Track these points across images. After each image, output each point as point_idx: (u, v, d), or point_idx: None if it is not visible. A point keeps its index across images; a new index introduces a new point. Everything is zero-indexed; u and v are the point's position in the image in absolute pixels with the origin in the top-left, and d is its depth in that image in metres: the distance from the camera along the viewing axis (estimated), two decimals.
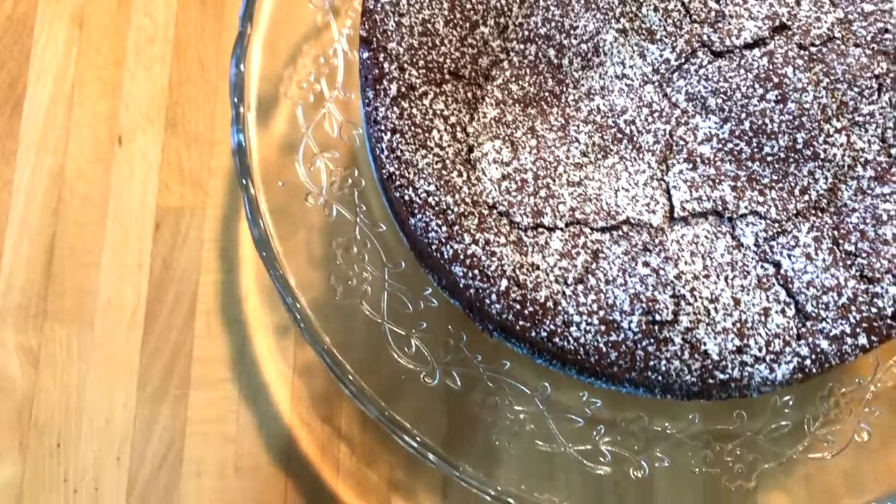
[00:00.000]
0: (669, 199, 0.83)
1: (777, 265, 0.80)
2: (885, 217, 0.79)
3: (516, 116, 0.85)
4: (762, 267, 0.80)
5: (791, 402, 0.89)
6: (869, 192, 0.80)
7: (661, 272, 0.78)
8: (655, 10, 0.86)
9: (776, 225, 0.82)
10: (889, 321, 0.77)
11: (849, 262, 0.79)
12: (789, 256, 0.80)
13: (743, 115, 0.83)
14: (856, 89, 0.83)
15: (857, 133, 0.83)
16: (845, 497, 0.87)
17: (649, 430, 0.88)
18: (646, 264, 0.79)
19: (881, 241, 0.78)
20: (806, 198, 0.82)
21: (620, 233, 0.82)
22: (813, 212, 0.82)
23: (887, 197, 0.80)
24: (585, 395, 0.88)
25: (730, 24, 0.85)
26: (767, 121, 0.82)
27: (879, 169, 0.82)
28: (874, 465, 0.89)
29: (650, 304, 0.77)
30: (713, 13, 0.86)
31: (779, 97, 0.82)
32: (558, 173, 0.83)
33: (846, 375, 0.91)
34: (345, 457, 0.96)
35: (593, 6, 0.85)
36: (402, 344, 0.88)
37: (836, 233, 0.80)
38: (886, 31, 0.83)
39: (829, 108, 0.82)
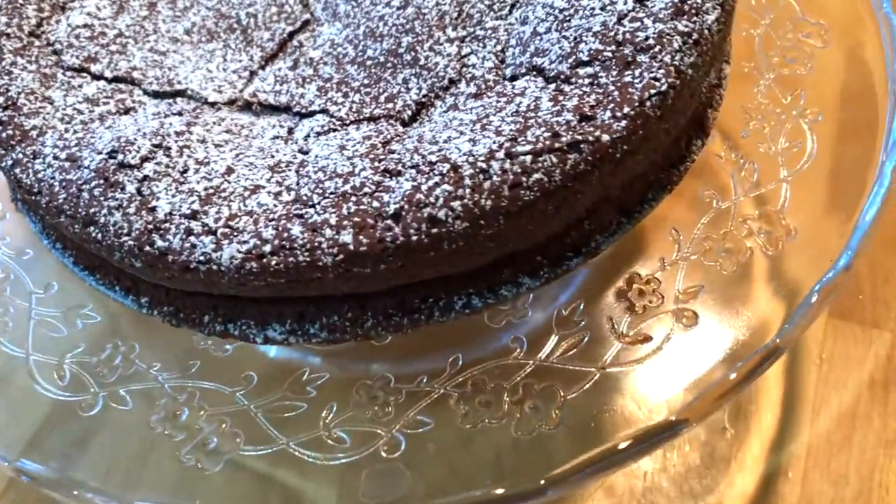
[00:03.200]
0: (245, 87, 0.70)
1: (306, 153, 0.62)
2: (454, 124, 0.60)
3: None
4: (293, 155, 0.63)
5: (581, 307, 0.65)
6: (463, 109, 0.63)
7: (168, 127, 0.63)
8: None
9: (339, 123, 0.65)
10: (387, 221, 0.55)
11: (381, 157, 0.59)
12: (326, 147, 0.62)
13: (363, 21, 0.70)
14: (487, 2, 0.68)
15: (472, 47, 0.67)
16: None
17: (372, 390, 0.65)
18: (161, 121, 0.64)
19: (430, 142, 0.59)
20: (390, 105, 0.65)
21: (171, 101, 0.69)
22: (388, 119, 0.65)
23: (469, 110, 0.62)
24: (307, 372, 0.68)
25: None
26: (381, 24, 0.69)
27: (484, 87, 0.64)
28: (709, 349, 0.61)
29: (124, 144, 0.62)
30: None
31: (403, 2, 0.69)
32: (147, 40, 0.73)
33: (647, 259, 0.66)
34: None
35: None
36: (50, 374, 0.73)
37: (381, 140, 0.62)
38: None
39: (448, 16, 0.68)
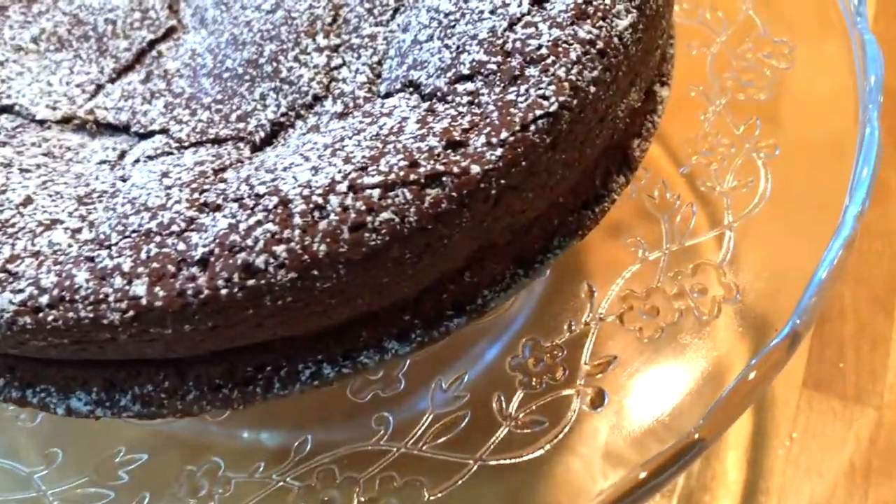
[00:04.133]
0: (86, 103, 0.59)
1: (126, 180, 0.51)
2: (305, 148, 0.49)
3: None
4: (110, 184, 0.51)
5: (465, 380, 0.53)
6: (323, 132, 0.51)
7: None
8: None
9: (176, 146, 0.53)
10: (192, 269, 0.43)
11: (205, 187, 0.48)
12: (147, 174, 0.50)
13: (229, 27, 0.59)
14: (367, 5, 0.56)
15: (345, 57, 0.55)
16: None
17: (195, 478, 0.52)
18: None
19: (268, 169, 0.47)
20: (241, 125, 0.54)
21: None
22: (235, 142, 0.53)
23: (328, 132, 0.50)
24: (122, 451, 0.56)
25: None
26: (246, 30, 0.58)
27: (352, 105, 0.52)
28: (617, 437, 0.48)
29: None
30: None
31: (274, 6, 0.58)
32: None
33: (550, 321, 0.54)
34: None
35: None
36: None
37: (217, 166, 0.50)
38: None
39: (320, 21, 0.56)
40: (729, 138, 0.60)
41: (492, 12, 0.50)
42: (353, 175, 0.44)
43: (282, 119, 0.53)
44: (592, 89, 0.47)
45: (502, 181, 0.45)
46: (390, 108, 0.49)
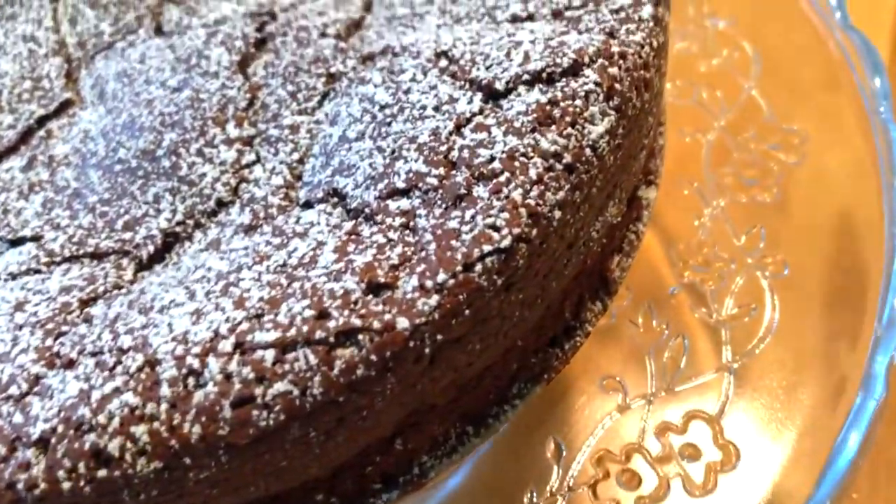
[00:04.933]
0: None
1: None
2: (193, 276, 0.38)
3: None
4: None
5: None
6: (222, 251, 0.40)
7: None
8: None
9: (46, 260, 0.43)
10: (26, 453, 0.33)
11: (62, 329, 0.37)
12: (2, 302, 0.40)
13: (129, 105, 0.49)
14: (290, 88, 0.46)
15: (261, 152, 0.45)
16: None
17: None
18: None
19: (143, 307, 0.37)
20: (127, 235, 0.43)
21: None
22: (118, 257, 0.43)
23: (227, 253, 0.40)
24: None
25: (206, 4, 0.55)
26: (146, 112, 0.47)
27: (263, 215, 0.42)
28: None
29: None
30: None
31: (181, 83, 0.48)
32: None
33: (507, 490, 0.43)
34: None
35: None
36: None
37: (87, 294, 0.40)
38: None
39: (232, 105, 0.46)
40: (728, 251, 0.50)
41: (436, 109, 0.40)
42: (244, 327, 0.34)
43: (177, 229, 0.43)
44: (557, 214, 0.36)
45: (439, 336, 0.34)
46: (306, 226, 0.39)
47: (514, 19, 0.46)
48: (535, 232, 0.36)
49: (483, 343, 0.37)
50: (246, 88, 0.47)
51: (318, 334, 0.33)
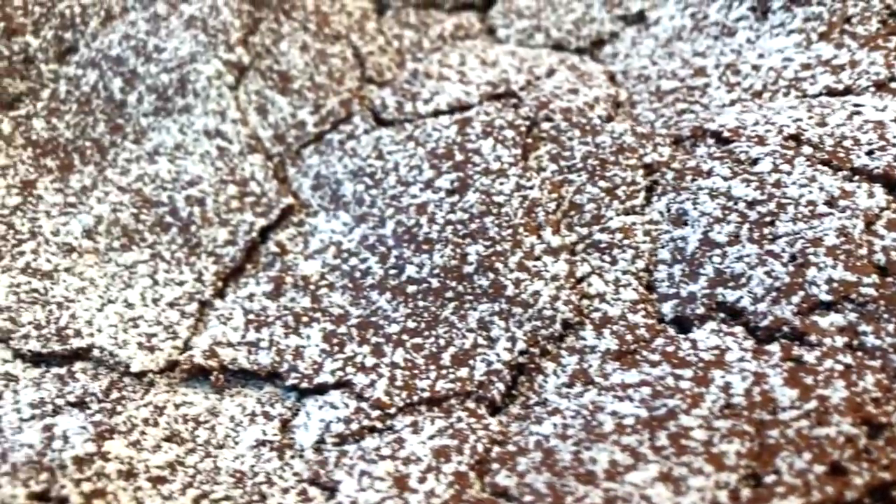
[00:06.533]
0: (193, 335, 0.40)
1: (332, 491, 0.33)
2: (604, 463, 0.32)
3: (20, 160, 0.47)
4: (303, 485, 0.33)
5: None
6: (607, 387, 0.35)
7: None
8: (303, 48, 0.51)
9: (371, 413, 0.36)
10: None
11: None
12: (349, 475, 0.33)
13: (390, 212, 0.42)
14: (602, 183, 0.41)
15: (591, 261, 0.39)
16: None
17: None
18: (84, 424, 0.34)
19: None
20: (463, 372, 0.37)
21: (73, 369, 0.38)
22: (457, 407, 0.36)
23: (620, 390, 0.34)
24: None
25: (422, 84, 0.48)
26: (425, 222, 0.41)
27: (630, 338, 0.37)
28: None
29: None
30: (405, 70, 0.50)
31: (456, 183, 0.42)
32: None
33: None
34: None
35: (198, 24, 0.50)
36: None
37: (479, 448, 0.33)
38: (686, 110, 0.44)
39: (542, 210, 0.40)
40: None
41: (828, 204, 0.36)
42: (748, 495, 0.29)
43: (520, 359, 0.37)
44: None
45: None
46: (714, 353, 0.34)
47: (831, 93, 0.42)
48: None
49: None
50: (547, 187, 0.41)
51: (849, 495, 0.29)
